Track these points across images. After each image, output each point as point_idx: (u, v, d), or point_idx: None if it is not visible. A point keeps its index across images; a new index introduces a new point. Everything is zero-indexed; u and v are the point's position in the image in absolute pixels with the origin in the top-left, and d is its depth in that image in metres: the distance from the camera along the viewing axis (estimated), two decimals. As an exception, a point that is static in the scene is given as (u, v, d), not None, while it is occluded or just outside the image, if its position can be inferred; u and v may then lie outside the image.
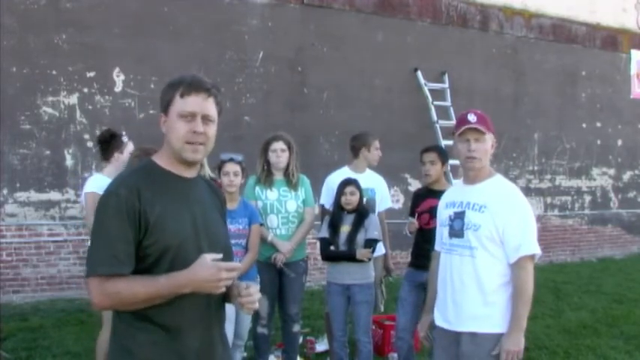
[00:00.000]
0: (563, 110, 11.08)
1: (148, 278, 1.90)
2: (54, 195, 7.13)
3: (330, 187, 4.89)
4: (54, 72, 7.10)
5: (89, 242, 1.96)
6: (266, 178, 4.63)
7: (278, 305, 4.72)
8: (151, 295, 1.89)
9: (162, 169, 2.04)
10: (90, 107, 7.26)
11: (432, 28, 9.61)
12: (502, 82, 10.33)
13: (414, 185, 8.99)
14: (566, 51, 11.03)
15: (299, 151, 4.81)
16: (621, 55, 11.83)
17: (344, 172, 4.96)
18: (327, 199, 4.98)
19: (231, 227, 4.15)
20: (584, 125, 11.35)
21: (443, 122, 9.09)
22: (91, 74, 7.26)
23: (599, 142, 11.54)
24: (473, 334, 2.90)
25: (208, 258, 1.91)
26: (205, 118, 2.01)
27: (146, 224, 1.92)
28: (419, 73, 9.32)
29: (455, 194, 3.12)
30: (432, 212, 4.28)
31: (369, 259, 4.36)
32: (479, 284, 2.90)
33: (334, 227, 4.41)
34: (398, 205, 8.95)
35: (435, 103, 9.25)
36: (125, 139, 4.43)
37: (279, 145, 4.60)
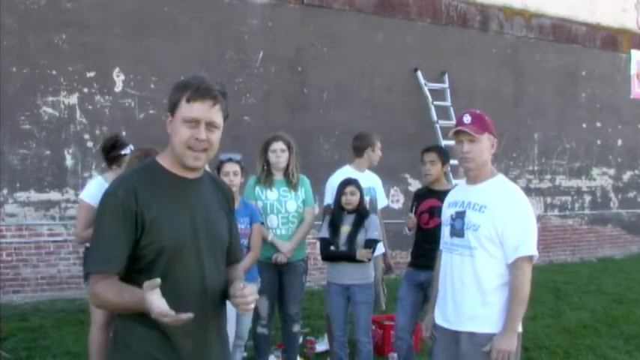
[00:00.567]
0: (563, 110, 11.08)
1: (122, 288, 1.91)
2: (54, 195, 7.13)
3: (334, 186, 4.89)
4: (54, 72, 7.11)
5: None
6: (266, 178, 4.63)
7: (278, 305, 4.72)
8: (119, 304, 1.92)
9: (165, 169, 2.05)
10: (90, 107, 7.26)
11: (432, 28, 9.61)
12: (502, 82, 10.33)
13: (414, 185, 8.99)
14: (566, 51, 11.03)
15: (299, 151, 4.81)
16: (621, 55, 11.84)
17: (346, 172, 4.95)
18: (332, 199, 4.98)
19: (232, 227, 4.16)
20: (584, 125, 11.35)
21: (443, 122, 9.09)
22: (91, 74, 7.26)
23: (599, 142, 11.54)
24: (471, 334, 2.91)
25: (148, 300, 1.78)
26: (210, 125, 2.01)
27: (142, 225, 1.93)
28: (419, 73, 9.32)
29: (457, 194, 3.13)
30: (432, 212, 4.30)
31: (369, 260, 4.36)
32: (478, 284, 2.91)
33: (334, 227, 4.41)
34: (398, 205, 8.96)
35: (435, 103, 9.25)
36: (127, 150, 4.32)
37: (278, 146, 4.60)
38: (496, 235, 2.87)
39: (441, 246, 3.15)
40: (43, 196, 7.09)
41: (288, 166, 4.64)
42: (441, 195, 3.67)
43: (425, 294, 4.26)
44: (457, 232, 2.98)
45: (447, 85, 9.50)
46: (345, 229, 4.38)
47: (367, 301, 4.43)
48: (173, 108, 2.02)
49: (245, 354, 4.79)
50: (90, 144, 7.17)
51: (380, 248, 4.84)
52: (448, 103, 9.37)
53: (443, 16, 9.71)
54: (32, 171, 7.04)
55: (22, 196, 7.01)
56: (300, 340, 5.18)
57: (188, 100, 1.98)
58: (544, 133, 10.82)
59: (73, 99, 7.20)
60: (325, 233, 4.43)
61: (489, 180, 3.00)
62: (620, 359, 5.37)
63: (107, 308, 2.03)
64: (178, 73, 7.65)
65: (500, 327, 2.86)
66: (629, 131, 11.95)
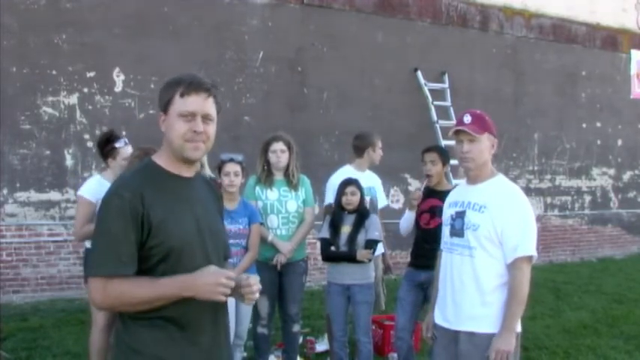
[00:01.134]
0: (563, 110, 11.08)
1: (151, 280, 1.92)
2: (54, 195, 7.13)
3: (334, 186, 4.89)
4: (54, 72, 7.11)
5: (91, 243, 2.00)
6: (266, 178, 4.63)
7: (278, 305, 4.72)
8: (153, 297, 1.91)
9: (163, 169, 2.05)
10: (90, 107, 7.26)
11: (432, 28, 9.61)
12: (502, 82, 10.33)
13: (414, 185, 8.99)
14: (566, 51, 11.03)
15: (299, 152, 4.81)
16: (621, 55, 11.84)
17: (347, 171, 4.95)
18: (332, 197, 4.98)
19: (231, 227, 4.16)
20: (584, 125, 11.35)
21: (443, 122, 9.09)
22: (91, 74, 7.26)
23: (599, 142, 11.54)
24: (471, 334, 2.91)
25: (213, 267, 1.96)
26: (205, 118, 2.02)
27: (149, 226, 1.93)
28: (419, 73, 9.33)
29: (458, 194, 3.13)
30: (433, 212, 4.30)
31: (370, 260, 4.36)
32: (477, 284, 2.91)
33: (335, 227, 4.41)
34: (398, 205, 8.95)
35: (435, 103, 9.25)
36: (120, 143, 4.35)
37: (278, 146, 4.60)
38: (495, 235, 2.88)
39: (442, 246, 3.16)
40: (43, 196, 7.09)
41: (288, 166, 4.64)
42: (442, 195, 3.67)
43: (425, 294, 4.26)
44: (457, 232, 2.99)
45: (447, 85, 9.50)
46: (346, 229, 4.38)
47: (367, 301, 4.43)
48: (166, 106, 2.03)
49: (245, 354, 4.79)
50: (90, 144, 7.16)
51: (380, 248, 4.84)
52: (448, 103, 9.37)
53: (443, 16, 9.71)
54: (32, 171, 7.04)
55: (22, 196, 7.01)
56: (300, 340, 5.18)
57: (182, 95, 2.00)
58: (544, 133, 10.82)
59: (73, 99, 7.20)
60: (326, 233, 4.43)
61: (489, 180, 3.00)
62: (620, 359, 5.38)
63: (129, 305, 1.92)
64: (178, 73, 7.66)
65: (499, 327, 2.86)
66: (629, 131, 11.95)
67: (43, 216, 7.09)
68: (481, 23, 10.13)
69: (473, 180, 3.03)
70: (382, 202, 5.21)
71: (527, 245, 2.86)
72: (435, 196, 4.34)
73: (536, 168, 10.79)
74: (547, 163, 10.92)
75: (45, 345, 5.39)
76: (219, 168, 4.28)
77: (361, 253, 4.27)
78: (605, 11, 11.48)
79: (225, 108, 7.87)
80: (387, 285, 5.40)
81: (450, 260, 3.03)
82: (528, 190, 10.53)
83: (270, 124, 7.41)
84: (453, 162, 4.39)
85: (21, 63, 6.94)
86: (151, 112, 7.46)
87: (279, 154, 4.59)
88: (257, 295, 2.06)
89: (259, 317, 4.58)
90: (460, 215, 2.98)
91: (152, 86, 7.50)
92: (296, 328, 4.77)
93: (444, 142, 8.35)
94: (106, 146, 4.37)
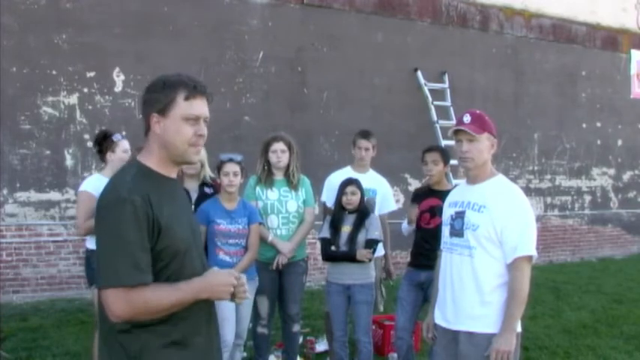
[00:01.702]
0: (563, 110, 11.08)
1: (171, 286, 1.92)
2: (54, 195, 7.13)
3: (332, 185, 4.89)
4: (54, 72, 7.11)
5: (101, 250, 1.90)
6: (266, 178, 4.63)
7: (278, 305, 4.72)
8: (175, 303, 1.91)
9: (155, 171, 2.03)
10: (90, 107, 7.26)
11: (432, 28, 9.61)
12: (502, 82, 10.33)
13: (414, 185, 8.98)
14: (566, 51, 11.04)
15: (299, 151, 4.81)
16: (621, 55, 11.84)
17: (346, 172, 4.95)
18: (328, 196, 4.98)
19: (231, 227, 4.16)
20: (584, 125, 11.35)
21: (443, 122, 9.08)
22: (91, 74, 7.26)
23: (599, 142, 11.55)
24: (470, 334, 2.91)
25: (216, 268, 2.04)
26: (205, 121, 2.04)
27: (158, 230, 1.92)
28: (419, 73, 9.32)
29: (458, 194, 3.14)
30: (432, 212, 4.30)
31: (370, 260, 4.36)
32: (477, 284, 2.91)
33: (335, 227, 4.41)
34: (398, 205, 8.93)
35: (435, 103, 9.25)
36: (117, 137, 4.43)
37: (279, 146, 4.60)
38: (495, 235, 2.88)
39: (441, 246, 3.16)
40: (43, 196, 7.09)
41: (288, 166, 4.64)
42: (442, 195, 3.67)
43: (425, 294, 4.26)
44: (457, 232, 2.99)
45: (447, 85, 9.50)
46: (346, 229, 4.38)
47: (367, 300, 4.42)
48: (165, 108, 1.99)
49: (245, 354, 4.79)
50: (90, 144, 7.14)
51: (380, 250, 4.83)
52: (448, 103, 9.37)
53: (443, 16, 9.71)
54: (32, 171, 7.04)
55: (22, 196, 7.01)
56: (300, 340, 5.18)
57: (187, 99, 1.98)
58: (544, 133, 10.82)
59: (73, 99, 7.20)
60: (326, 233, 4.43)
61: (489, 180, 3.00)
62: (620, 359, 5.38)
63: (151, 313, 1.89)
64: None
65: (499, 327, 2.86)
66: (629, 131, 11.95)
67: (43, 216, 7.09)
68: (481, 23, 10.13)
69: (473, 180, 3.04)
70: (390, 206, 5.17)
71: (527, 245, 2.86)
72: (434, 195, 4.35)
73: (536, 168, 10.79)
74: (547, 163, 10.92)
75: (45, 345, 5.39)
76: (218, 168, 4.28)
77: (361, 253, 4.27)
78: (605, 11, 11.48)
79: (225, 108, 7.98)
80: (387, 285, 5.38)
81: (450, 260, 3.03)
82: (528, 190, 10.52)
83: (270, 124, 7.42)
84: (453, 162, 4.39)
85: (21, 63, 6.94)
86: (151, 112, 7.45)
87: (280, 154, 4.59)
88: (248, 294, 2.10)
89: (259, 317, 4.58)
90: (460, 215, 2.98)
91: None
92: (296, 328, 4.77)
93: (444, 142, 8.35)
94: (104, 141, 4.43)
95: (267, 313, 4.59)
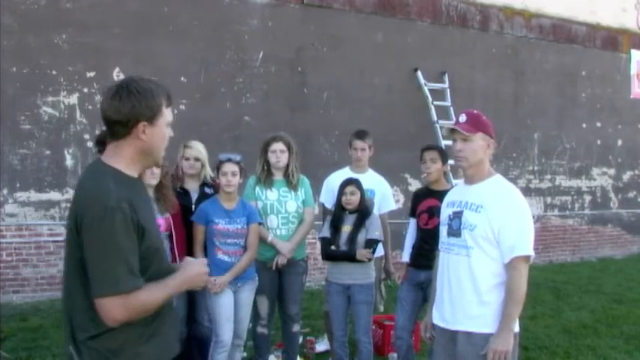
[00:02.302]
0: (563, 110, 11.08)
1: (159, 284, 2.04)
2: (54, 195, 7.13)
3: (330, 186, 4.89)
4: (54, 72, 7.10)
5: (96, 259, 1.93)
6: (266, 178, 4.63)
7: (278, 305, 4.72)
8: (166, 298, 2.06)
9: (125, 174, 2.08)
10: (90, 107, 7.25)
11: (432, 28, 9.61)
12: (502, 82, 10.33)
13: (414, 185, 8.99)
14: (566, 51, 11.03)
15: (299, 152, 4.81)
16: (621, 55, 11.83)
17: (345, 173, 4.95)
18: (326, 197, 4.98)
19: (230, 227, 4.17)
20: (584, 125, 11.35)
21: (443, 122, 9.08)
22: (91, 74, 7.26)
23: (599, 142, 11.54)
24: (468, 334, 2.91)
25: (189, 258, 2.16)
26: None
27: (142, 232, 2.00)
28: (419, 73, 9.32)
29: (455, 194, 3.15)
30: (432, 212, 4.30)
31: (370, 260, 4.36)
32: (474, 284, 2.91)
33: (335, 227, 4.41)
34: (398, 205, 8.93)
35: (435, 103, 9.25)
36: None
37: (278, 146, 4.60)
38: (492, 235, 2.88)
39: (439, 246, 3.16)
40: (43, 196, 7.09)
41: (288, 166, 4.64)
42: (441, 195, 3.67)
43: (425, 294, 4.26)
44: (454, 231, 2.99)
45: (447, 85, 9.50)
46: (346, 228, 4.38)
47: (368, 300, 4.43)
48: (154, 117, 2.06)
49: (245, 354, 4.79)
50: (90, 144, 7.15)
51: (380, 250, 4.83)
52: (448, 103, 9.37)
53: (443, 16, 9.71)
54: (32, 171, 7.04)
55: (22, 196, 7.01)
56: (300, 340, 5.18)
57: (167, 106, 2.13)
58: (544, 133, 10.82)
59: (73, 99, 7.20)
60: (326, 233, 4.43)
61: (487, 180, 3.00)
62: (620, 359, 5.38)
63: (147, 312, 2.01)
64: (178, 73, 7.69)
65: (497, 327, 2.86)
66: (629, 131, 11.95)
67: (43, 216, 7.09)
68: (481, 23, 10.13)
69: (470, 180, 3.05)
70: (388, 205, 5.17)
71: (524, 245, 2.87)
72: (433, 196, 4.35)
73: (536, 168, 10.79)
74: (547, 163, 10.92)
75: (45, 345, 5.39)
76: (217, 168, 4.28)
77: (361, 253, 4.27)
78: (605, 11, 11.48)
79: (225, 108, 7.97)
80: (387, 285, 5.38)
81: (448, 260, 3.03)
82: (528, 190, 10.53)
83: (270, 124, 7.41)
84: (452, 162, 4.39)
85: (21, 63, 6.94)
86: (151, 112, 7.46)
87: (279, 155, 4.59)
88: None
89: (259, 317, 4.58)
90: (457, 215, 2.99)
91: (152, 86, 7.50)
92: (296, 328, 4.77)
93: (443, 142, 8.33)
94: (105, 142, 4.41)
95: (267, 313, 4.59)
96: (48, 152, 7.12)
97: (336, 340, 4.50)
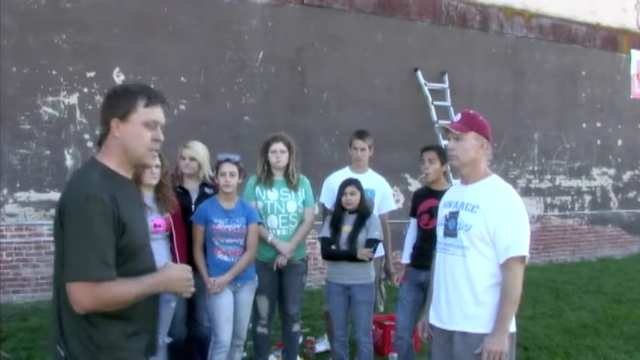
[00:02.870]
0: (563, 110, 11.08)
1: (135, 280, 2.06)
2: (54, 195, 7.12)
3: (330, 186, 4.89)
4: (54, 72, 7.10)
5: (70, 244, 1.99)
6: (266, 178, 4.63)
7: (278, 305, 4.72)
8: (138, 294, 2.06)
9: (115, 172, 2.16)
10: (90, 107, 7.25)
11: (432, 28, 9.61)
12: (502, 82, 10.33)
13: (414, 185, 8.99)
14: (566, 51, 11.03)
15: (299, 152, 4.80)
16: (621, 55, 11.83)
17: (345, 173, 4.95)
18: (326, 198, 4.98)
19: (229, 227, 4.17)
20: (584, 125, 11.35)
21: (443, 122, 9.05)
22: (91, 74, 7.26)
23: (599, 142, 11.54)
24: (464, 334, 2.91)
25: (171, 262, 2.20)
26: (161, 127, 2.22)
27: (123, 227, 2.05)
28: (419, 73, 9.32)
29: (452, 194, 3.16)
30: (432, 212, 4.30)
31: (370, 259, 4.36)
32: (470, 284, 2.91)
33: (335, 227, 4.41)
34: (398, 205, 8.93)
35: (435, 103, 9.25)
36: None
37: (278, 146, 4.59)
38: (488, 235, 2.88)
39: (436, 246, 3.17)
40: (43, 196, 7.09)
41: (288, 166, 4.64)
42: (441, 195, 3.66)
43: (425, 294, 4.25)
44: (450, 232, 3.00)
45: (447, 85, 9.50)
46: (347, 228, 4.39)
47: (368, 300, 4.43)
48: (126, 114, 2.13)
49: (245, 354, 4.79)
50: (90, 144, 7.16)
51: (380, 250, 4.83)
52: (448, 103, 9.37)
53: (443, 16, 9.71)
54: (32, 171, 7.04)
55: (22, 196, 7.01)
56: (300, 340, 5.18)
57: (147, 105, 2.15)
58: (544, 133, 10.82)
59: (73, 99, 7.20)
60: (326, 232, 4.43)
61: (483, 180, 3.01)
62: (620, 359, 5.38)
63: (116, 305, 2.04)
64: (178, 73, 7.70)
65: (492, 327, 2.86)
66: (629, 131, 11.95)
67: (43, 216, 7.09)
68: (481, 23, 10.13)
69: (466, 180, 3.06)
70: (388, 205, 5.17)
71: (520, 245, 2.86)
72: (434, 196, 4.35)
73: (536, 168, 10.79)
74: (547, 163, 10.92)
75: (45, 345, 5.39)
76: (216, 168, 4.28)
77: (362, 252, 4.28)
78: (605, 11, 11.48)
79: (225, 108, 7.97)
80: (387, 285, 5.38)
81: (444, 260, 3.04)
82: (528, 190, 10.53)
83: (270, 124, 7.41)
84: (453, 162, 4.39)
85: (21, 63, 6.94)
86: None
87: (279, 155, 4.59)
88: (192, 289, 2.23)
89: (259, 317, 4.58)
90: (454, 215, 3.00)
91: (152, 86, 7.48)
92: (296, 328, 4.77)
93: (443, 142, 8.33)
94: None
95: (267, 313, 4.59)
96: (48, 152, 7.12)
97: (336, 340, 4.50)
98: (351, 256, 4.32)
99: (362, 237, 4.35)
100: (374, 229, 4.40)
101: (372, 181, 5.03)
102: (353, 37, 8.86)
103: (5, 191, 6.94)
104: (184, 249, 4.21)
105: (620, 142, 11.83)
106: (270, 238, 4.52)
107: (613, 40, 11.67)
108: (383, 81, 9.12)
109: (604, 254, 11.47)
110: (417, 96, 9.28)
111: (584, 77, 11.33)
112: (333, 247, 4.40)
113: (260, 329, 4.62)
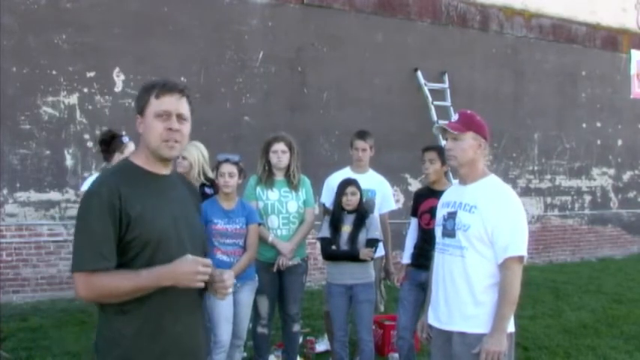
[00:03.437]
0: (563, 110, 11.08)
1: (131, 272, 2.04)
2: (54, 195, 7.13)
3: (331, 186, 4.89)
4: (54, 72, 7.11)
5: (74, 237, 2.08)
6: (267, 178, 4.63)
7: (278, 305, 4.72)
8: (134, 288, 2.03)
9: (140, 167, 2.17)
10: (90, 107, 7.26)
11: (432, 28, 9.61)
12: (502, 82, 10.33)
13: (414, 185, 8.99)
14: (566, 51, 11.04)
15: (299, 152, 4.80)
16: (621, 55, 11.84)
17: (345, 173, 4.95)
18: (327, 198, 4.98)
19: (229, 227, 4.17)
20: (584, 125, 11.35)
21: (443, 122, 9.05)
22: (91, 74, 7.26)
23: (599, 142, 11.55)
24: (462, 334, 2.91)
25: (190, 256, 2.06)
26: (179, 117, 2.15)
27: (127, 221, 2.04)
28: (419, 73, 9.32)
29: (451, 194, 3.16)
30: (433, 212, 4.29)
31: (372, 259, 4.37)
32: (469, 284, 2.91)
33: (335, 227, 4.41)
34: (398, 205, 8.93)
35: (435, 103, 9.25)
36: (125, 139, 4.45)
37: (280, 147, 4.59)
38: (486, 235, 2.88)
39: (435, 246, 3.16)
40: (43, 196, 7.09)
41: (289, 166, 4.64)
42: (441, 195, 3.67)
43: (426, 294, 4.26)
44: (449, 232, 3.00)
45: (447, 85, 9.50)
46: (346, 228, 4.39)
47: (370, 299, 4.46)
48: (143, 108, 2.15)
49: (245, 354, 4.79)
50: (90, 144, 7.16)
51: (380, 250, 4.83)
52: (448, 103, 9.37)
53: (443, 16, 9.71)
54: (32, 171, 7.04)
55: (22, 196, 7.01)
56: (300, 340, 5.18)
57: (157, 97, 2.13)
58: (544, 133, 10.82)
59: (73, 99, 7.20)
60: (326, 233, 4.43)
61: (480, 180, 3.00)
62: (620, 359, 5.38)
63: (113, 297, 2.05)
64: (178, 73, 7.69)
65: (490, 327, 2.86)
66: (629, 131, 11.95)
67: (43, 216, 7.09)
68: (481, 23, 10.13)
69: (463, 180, 3.05)
70: (389, 205, 5.17)
71: (518, 245, 2.86)
72: (434, 196, 4.33)
73: (536, 168, 10.79)
74: (547, 163, 10.92)
75: (45, 345, 5.39)
76: (216, 168, 4.28)
77: (364, 252, 4.29)
78: (605, 11, 11.48)
79: (225, 108, 7.98)
80: (386, 286, 5.39)
81: (442, 261, 3.04)
82: (528, 190, 10.53)
83: (270, 124, 7.41)
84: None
85: (21, 63, 6.94)
86: (151, 112, 7.46)
87: (280, 155, 4.59)
88: (230, 290, 2.18)
89: (259, 317, 4.58)
90: (452, 216, 2.99)
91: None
92: (296, 328, 4.77)
93: (443, 142, 8.34)
94: (112, 142, 4.43)
95: (267, 313, 4.59)
96: (48, 152, 7.12)
97: (337, 341, 4.50)
98: (352, 257, 4.32)
99: (362, 237, 4.36)
100: (374, 229, 4.42)
101: (373, 181, 5.04)
102: (353, 37, 8.86)
103: (5, 191, 6.94)
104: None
105: (620, 142, 11.83)
106: (270, 238, 4.52)
107: (613, 40, 11.67)
108: (383, 81, 9.12)
109: (604, 254, 11.47)
110: (417, 96, 9.28)
111: (584, 77, 11.34)
112: (334, 247, 4.40)
113: (260, 329, 4.62)
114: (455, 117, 3.03)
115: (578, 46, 11.20)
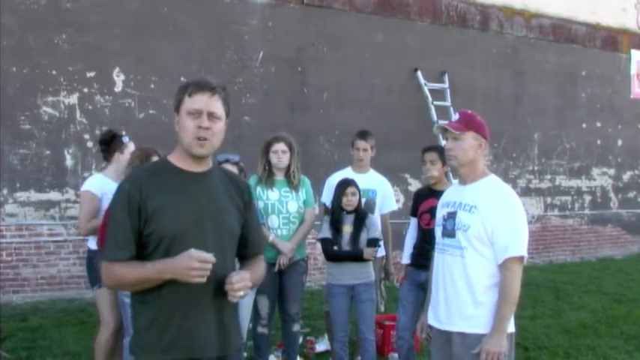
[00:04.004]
0: (563, 110, 11.08)
1: (139, 263, 2.12)
2: (54, 195, 7.13)
3: (332, 187, 4.88)
4: (54, 72, 7.11)
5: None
6: (267, 178, 4.63)
7: (278, 305, 4.72)
8: (140, 279, 2.11)
9: (173, 165, 2.23)
10: (90, 107, 7.26)
11: (432, 28, 9.61)
12: (502, 82, 10.33)
13: (414, 185, 8.99)
14: (566, 51, 11.04)
15: (300, 152, 4.81)
16: (621, 55, 11.84)
17: (346, 173, 4.94)
18: (328, 198, 4.97)
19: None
20: (584, 125, 11.36)
21: (443, 122, 9.05)
22: (91, 74, 7.27)
23: (599, 142, 11.55)
24: (462, 334, 2.90)
25: (192, 251, 2.05)
26: (211, 115, 2.17)
27: (146, 215, 2.12)
28: (419, 73, 9.33)
29: (450, 194, 3.15)
30: (433, 212, 4.29)
31: (374, 258, 4.38)
32: (469, 284, 2.90)
33: (336, 228, 4.41)
34: (398, 205, 8.93)
35: (435, 103, 9.26)
36: (126, 139, 4.45)
37: (280, 147, 4.59)
38: (486, 236, 2.87)
39: (435, 246, 3.16)
40: (43, 196, 7.09)
41: (289, 166, 4.64)
42: (441, 195, 3.67)
43: (426, 294, 4.26)
44: (449, 232, 2.99)
45: (446, 85, 9.50)
46: (347, 228, 4.39)
47: (372, 299, 4.47)
48: (178, 107, 2.20)
49: (245, 354, 4.79)
50: (90, 144, 7.17)
51: (380, 250, 4.83)
52: (448, 103, 9.37)
53: (443, 16, 9.71)
54: (32, 171, 7.04)
55: (22, 196, 7.01)
56: (300, 340, 5.18)
57: (190, 95, 2.16)
58: (544, 133, 10.83)
59: (73, 99, 7.20)
60: (327, 233, 4.43)
61: (480, 180, 3.00)
62: (620, 359, 5.38)
63: (125, 286, 2.24)
64: (178, 73, 7.68)
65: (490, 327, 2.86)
66: (629, 131, 11.95)
67: (43, 216, 7.09)
68: (481, 23, 10.13)
69: (463, 180, 3.05)
70: (390, 205, 5.17)
71: (518, 245, 2.85)
72: (435, 196, 4.33)
73: (536, 168, 10.79)
74: (547, 163, 10.92)
75: (45, 345, 5.39)
76: (217, 168, 4.28)
77: (367, 252, 4.30)
78: (605, 11, 11.49)
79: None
80: (387, 285, 5.39)
81: (442, 261, 3.03)
82: (528, 190, 10.53)
83: (270, 124, 7.42)
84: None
85: (21, 63, 6.94)
86: (151, 112, 7.47)
87: (281, 155, 4.59)
88: (240, 293, 2.15)
89: (259, 317, 4.58)
90: (452, 216, 2.98)
91: (152, 86, 7.51)
92: (296, 327, 4.77)
93: (443, 142, 8.34)
94: (112, 141, 4.43)
95: (267, 313, 4.58)
96: (48, 152, 7.12)
97: (337, 341, 4.49)
98: (356, 257, 4.32)
99: (363, 237, 4.36)
100: (374, 229, 4.43)
101: (374, 181, 5.04)
102: (353, 37, 8.86)
103: (5, 191, 6.94)
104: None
105: (620, 142, 11.83)
106: (271, 238, 4.52)
107: (613, 40, 11.68)
108: (383, 81, 9.12)
109: (604, 254, 11.47)
110: (417, 96, 9.28)
111: (584, 77, 11.34)
112: (335, 247, 4.40)
113: (260, 329, 4.62)
114: (455, 117, 3.02)
115: (578, 46, 11.21)
